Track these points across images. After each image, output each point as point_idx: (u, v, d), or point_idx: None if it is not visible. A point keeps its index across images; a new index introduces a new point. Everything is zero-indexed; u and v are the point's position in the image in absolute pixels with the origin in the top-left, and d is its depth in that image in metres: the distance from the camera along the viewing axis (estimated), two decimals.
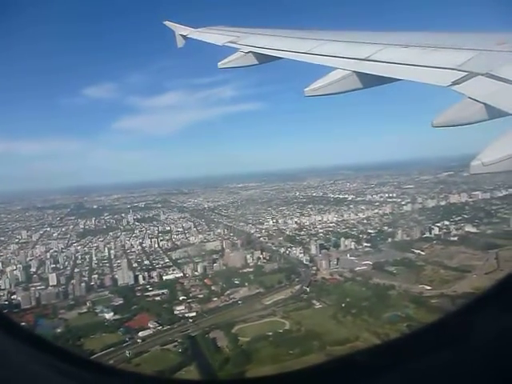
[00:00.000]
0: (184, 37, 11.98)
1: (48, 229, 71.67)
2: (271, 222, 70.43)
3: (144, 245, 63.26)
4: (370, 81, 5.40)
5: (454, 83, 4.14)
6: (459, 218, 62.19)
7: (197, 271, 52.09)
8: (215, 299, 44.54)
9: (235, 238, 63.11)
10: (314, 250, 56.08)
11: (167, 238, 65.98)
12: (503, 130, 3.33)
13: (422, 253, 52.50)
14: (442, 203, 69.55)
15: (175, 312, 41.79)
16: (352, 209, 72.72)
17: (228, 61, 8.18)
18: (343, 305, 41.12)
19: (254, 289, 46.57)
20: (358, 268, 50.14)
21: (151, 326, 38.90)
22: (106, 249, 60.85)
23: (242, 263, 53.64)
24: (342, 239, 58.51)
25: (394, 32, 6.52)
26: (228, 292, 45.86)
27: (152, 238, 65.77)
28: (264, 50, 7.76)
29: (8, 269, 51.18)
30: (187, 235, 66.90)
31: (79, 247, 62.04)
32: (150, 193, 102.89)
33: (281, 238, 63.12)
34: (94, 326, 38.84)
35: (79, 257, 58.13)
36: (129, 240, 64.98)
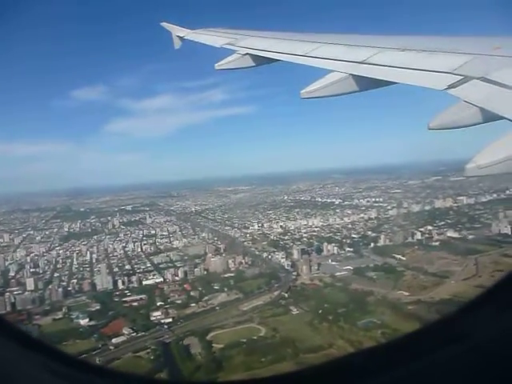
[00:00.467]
0: (181, 38, 12.03)
1: (31, 232, 71.04)
2: (256, 226, 70.31)
3: (127, 249, 62.87)
4: (366, 84, 5.44)
5: (450, 87, 4.18)
6: (442, 223, 62.44)
7: (177, 276, 51.80)
8: (193, 305, 44.25)
9: (219, 243, 62.92)
10: (296, 254, 55.97)
11: (151, 241, 65.65)
12: (497, 133, 3.38)
13: (403, 258, 52.57)
14: (427, 208, 69.76)
15: (151, 318, 41.46)
16: (338, 213, 72.79)
17: (225, 62, 8.21)
18: (320, 311, 40.99)
19: (233, 294, 46.33)
20: (339, 273, 50.10)
21: (125, 332, 38.52)
22: (88, 253, 60.35)
23: (223, 268, 53.40)
24: (325, 244, 58.47)
25: (390, 36, 6.59)
26: (206, 298, 45.59)
27: (136, 241, 65.33)
28: (261, 52, 7.82)
29: None
30: (171, 239, 66.63)
31: (61, 251, 61.50)
32: (139, 195, 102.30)
33: (265, 243, 62.96)
34: (67, 332, 38.39)
35: (60, 261, 57.63)
36: (112, 244, 64.52)
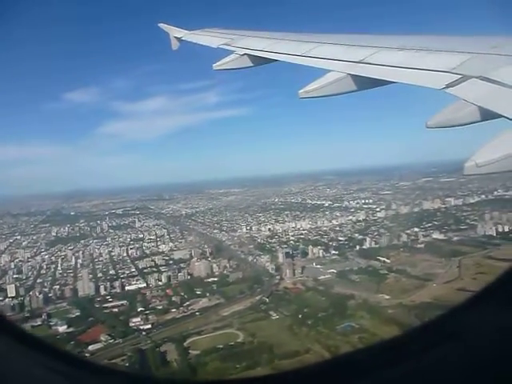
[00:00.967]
0: (179, 39, 12.01)
1: (19, 237, 70.80)
2: (245, 229, 70.15)
3: (113, 253, 62.59)
4: (364, 83, 5.43)
5: (448, 86, 4.19)
6: (429, 224, 62.32)
7: (161, 281, 51.57)
8: (173, 310, 43.99)
9: (206, 246, 62.69)
10: (281, 258, 55.77)
11: (137, 246, 65.34)
12: (495, 131, 3.39)
13: (388, 261, 52.39)
14: (416, 210, 69.64)
15: (130, 324, 41.19)
16: (327, 215, 72.65)
17: (223, 63, 8.19)
18: (300, 316, 40.78)
19: (214, 299, 46.09)
20: (322, 277, 49.90)
21: (103, 339, 38.27)
22: (74, 258, 60.14)
23: (207, 272, 53.19)
24: (310, 247, 58.27)
25: (388, 35, 6.56)
26: (188, 303, 45.35)
27: (122, 246, 65.07)
28: (259, 52, 7.82)
29: None
30: (158, 243, 66.36)
31: (46, 256, 61.23)
32: (131, 199, 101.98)
33: (251, 246, 62.75)
34: (44, 339, 38.07)
35: (44, 266, 57.40)
36: (98, 248, 64.28)
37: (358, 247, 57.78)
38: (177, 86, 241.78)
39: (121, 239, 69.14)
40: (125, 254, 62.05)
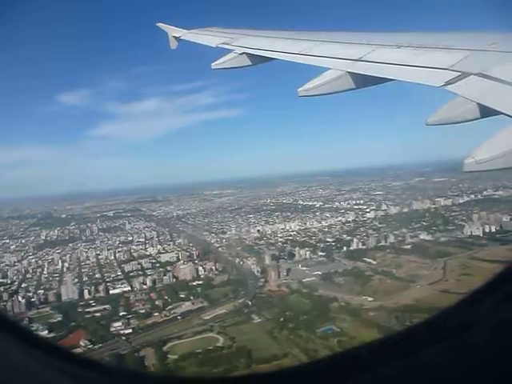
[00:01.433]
0: (177, 39, 11.98)
1: (7, 241, 70.60)
2: (234, 231, 69.94)
3: (100, 256, 62.33)
4: (363, 81, 5.48)
5: (447, 83, 4.19)
6: (418, 225, 62.07)
7: (145, 284, 51.32)
8: (156, 314, 43.78)
9: (194, 249, 62.44)
10: (267, 260, 55.53)
11: (126, 249, 65.04)
12: (494, 128, 3.36)
13: (374, 262, 52.17)
14: (405, 210, 69.42)
15: (111, 329, 40.96)
16: (317, 216, 72.44)
17: (222, 62, 8.19)
18: (282, 319, 40.56)
19: (198, 303, 45.86)
20: (307, 279, 49.66)
21: (83, 344, 38.05)
22: (60, 261, 59.89)
23: (192, 275, 52.94)
24: (297, 249, 58.04)
25: (387, 33, 6.58)
26: (170, 307, 45.11)
27: (110, 249, 64.78)
28: (258, 51, 7.83)
29: None
30: (147, 246, 66.09)
31: (33, 260, 60.96)
32: (124, 201, 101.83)
33: (239, 248, 62.50)
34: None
35: (30, 270, 57.12)
36: (86, 252, 64.04)
37: (345, 248, 57.53)
38: (170, 88, 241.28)
39: (110, 242, 68.85)
40: (112, 258, 61.75)
